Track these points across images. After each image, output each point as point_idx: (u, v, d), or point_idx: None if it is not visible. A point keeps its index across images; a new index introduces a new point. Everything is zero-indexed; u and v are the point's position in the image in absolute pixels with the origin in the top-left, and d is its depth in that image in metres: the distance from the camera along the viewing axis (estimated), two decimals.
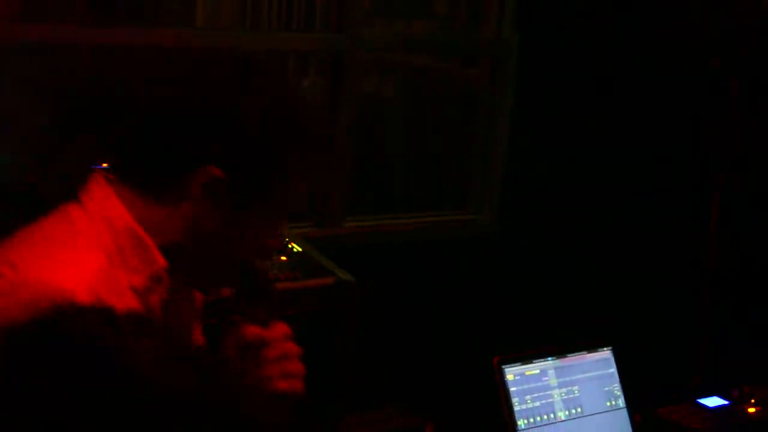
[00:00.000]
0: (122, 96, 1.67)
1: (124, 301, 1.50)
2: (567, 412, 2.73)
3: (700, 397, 2.95)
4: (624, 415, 2.83)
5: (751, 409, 2.87)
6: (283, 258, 2.95)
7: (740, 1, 3.58)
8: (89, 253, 1.53)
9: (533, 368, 2.72)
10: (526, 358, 2.72)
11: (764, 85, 3.42)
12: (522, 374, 2.70)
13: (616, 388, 2.84)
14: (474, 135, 4.01)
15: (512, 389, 2.66)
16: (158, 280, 1.60)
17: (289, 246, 3.02)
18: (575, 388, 2.77)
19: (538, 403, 2.69)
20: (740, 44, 3.53)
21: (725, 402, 2.92)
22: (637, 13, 3.63)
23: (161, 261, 1.57)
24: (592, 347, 2.84)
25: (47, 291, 1.42)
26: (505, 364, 2.67)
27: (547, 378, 2.73)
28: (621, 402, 2.84)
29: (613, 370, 2.85)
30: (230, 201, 1.53)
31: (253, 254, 1.68)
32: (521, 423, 2.64)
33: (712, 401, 2.92)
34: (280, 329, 1.72)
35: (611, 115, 3.65)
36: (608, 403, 2.81)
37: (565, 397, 2.74)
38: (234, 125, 1.53)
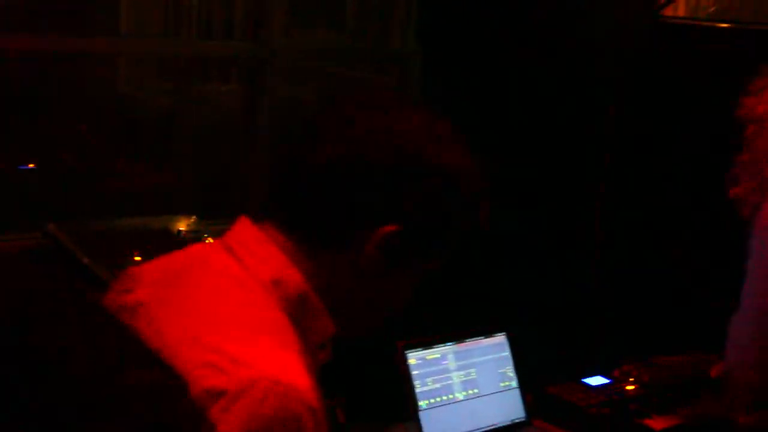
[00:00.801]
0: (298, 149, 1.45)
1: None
2: (465, 393, 2.79)
3: (585, 377, 3.03)
4: (517, 394, 2.90)
5: (630, 387, 2.94)
6: None
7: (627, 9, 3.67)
8: (287, 334, 1.34)
9: (434, 353, 2.77)
10: (427, 344, 2.77)
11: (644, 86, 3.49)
12: (423, 358, 2.75)
13: (510, 370, 2.91)
14: None
15: (414, 372, 2.71)
16: (323, 347, 1.47)
17: (207, 240, 2.97)
18: (472, 370, 2.83)
19: (438, 385, 2.74)
20: (626, 45, 3.61)
21: (607, 380, 3.00)
22: (528, 23, 3.68)
23: (331, 327, 1.44)
24: (487, 333, 2.90)
25: (296, 396, 1.24)
26: (408, 349, 2.72)
27: (446, 362, 2.78)
28: (514, 383, 2.90)
29: (507, 353, 2.92)
30: (399, 255, 1.41)
31: (402, 305, 1.55)
32: (423, 403, 2.69)
33: (596, 380, 3.01)
34: None
35: (509, 115, 3.68)
36: (502, 384, 2.88)
37: (464, 378, 2.80)
38: (426, 186, 1.41)
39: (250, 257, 1.40)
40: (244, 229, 1.47)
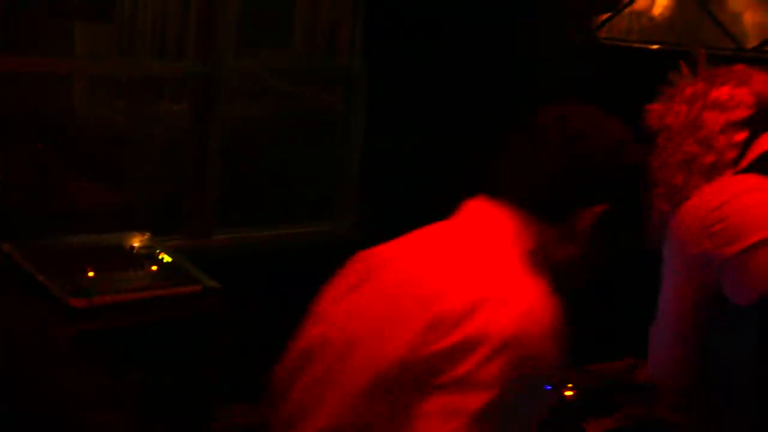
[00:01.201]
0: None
1: None
2: None
3: None
4: None
5: (568, 393, 2.96)
6: (154, 267, 2.93)
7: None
8: (535, 276, 1.66)
9: None
10: None
11: None
12: None
13: None
14: (332, 153, 4.03)
15: None
16: None
17: (160, 256, 3.00)
18: None
19: None
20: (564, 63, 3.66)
21: (546, 387, 3.02)
22: (470, 44, 3.71)
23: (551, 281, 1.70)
24: None
25: (549, 314, 1.59)
26: None
27: None
28: None
29: None
30: (603, 228, 1.73)
31: (600, 267, 1.83)
32: None
33: None
34: None
35: (450, 131, 3.73)
36: None
37: None
38: (627, 173, 1.78)
39: (493, 224, 1.72)
40: (482, 205, 1.78)
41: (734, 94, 2.22)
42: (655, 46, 3.65)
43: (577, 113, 1.82)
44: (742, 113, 2.22)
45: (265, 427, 2.15)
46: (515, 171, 1.80)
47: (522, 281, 1.61)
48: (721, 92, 2.24)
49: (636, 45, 3.68)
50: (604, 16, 3.88)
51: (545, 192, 1.73)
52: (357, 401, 1.62)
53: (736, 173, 2.21)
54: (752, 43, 3.52)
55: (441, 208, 3.76)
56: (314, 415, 1.68)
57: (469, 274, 1.63)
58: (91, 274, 2.79)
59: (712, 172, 2.24)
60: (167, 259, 3.00)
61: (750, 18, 3.88)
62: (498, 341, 1.49)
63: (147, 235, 3.11)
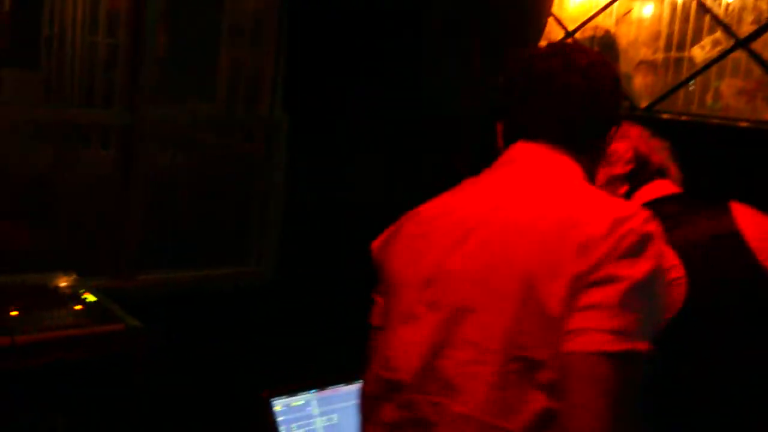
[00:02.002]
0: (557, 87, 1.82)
1: None
2: None
3: None
4: None
5: None
6: (78, 307, 2.88)
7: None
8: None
9: (298, 400, 2.73)
10: (291, 391, 2.74)
11: None
12: (288, 405, 2.71)
13: None
14: (253, 199, 4.02)
15: (280, 419, 2.66)
16: None
17: (83, 296, 2.95)
18: (334, 415, 2.80)
19: (302, 430, 2.72)
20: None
21: None
22: (387, 95, 3.75)
23: None
24: (348, 379, 2.90)
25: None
26: (274, 396, 2.69)
27: (310, 408, 2.76)
28: None
29: None
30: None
31: None
32: None
33: None
34: None
35: (368, 177, 3.76)
36: None
37: (327, 424, 2.76)
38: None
39: (555, 161, 1.78)
40: (529, 146, 1.81)
41: (615, 149, 2.28)
42: None
43: (567, 50, 1.87)
44: (621, 169, 2.28)
45: None
46: (542, 113, 1.81)
47: (620, 200, 1.73)
48: None
49: None
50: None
51: (575, 124, 1.80)
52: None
53: None
54: (644, 103, 3.64)
55: (358, 251, 3.78)
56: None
57: (581, 202, 1.68)
58: (14, 312, 2.74)
59: None
60: (91, 298, 2.96)
61: (641, 81, 4.01)
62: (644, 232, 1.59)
63: (72, 275, 3.06)
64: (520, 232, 1.66)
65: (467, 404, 1.60)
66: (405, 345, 1.72)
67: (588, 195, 1.71)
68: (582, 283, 1.55)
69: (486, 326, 1.64)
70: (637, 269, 1.55)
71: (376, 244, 1.91)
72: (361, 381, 1.87)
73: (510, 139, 1.84)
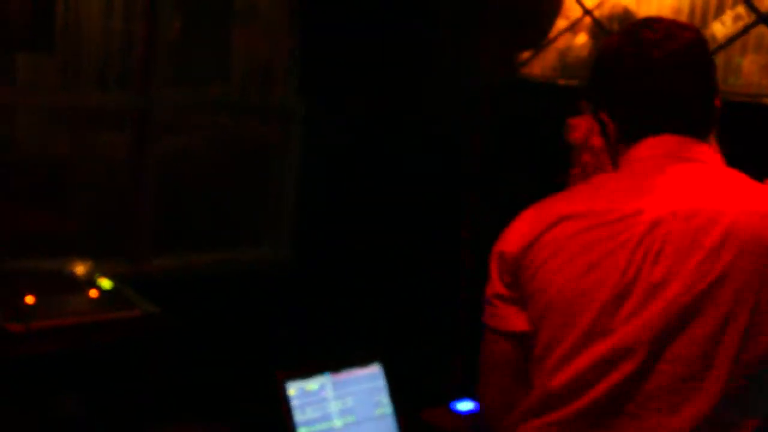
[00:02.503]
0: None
1: None
2: (342, 421, 2.73)
3: (455, 401, 3.01)
4: (391, 420, 2.85)
5: None
6: (94, 293, 2.88)
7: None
8: None
9: (312, 383, 2.71)
10: (306, 375, 2.71)
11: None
12: (302, 389, 2.69)
13: (385, 397, 2.86)
14: (268, 183, 4.02)
15: (294, 402, 2.65)
16: None
17: (99, 282, 2.95)
18: (349, 399, 2.78)
19: (317, 414, 2.69)
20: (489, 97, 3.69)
21: (475, 402, 2.98)
22: (398, 80, 3.72)
23: None
24: (363, 362, 2.86)
25: None
26: (288, 380, 2.66)
27: (324, 391, 2.73)
28: (389, 409, 2.86)
29: (382, 381, 2.87)
30: None
31: None
32: (304, 431, 2.64)
33: (465, 404, 2.99)
34: None
35: (381, 160, 3.75)
36: (378, 411, 2.83)
37: (341, 407, 2.75)
38: None
39: (701, 153, 1.71)
40: (682, 141, 1.72)
41: None
42: (575, 82, 3.70)
43: (662, 23, 1.79)
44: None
45: None
46: (664, 105, 1.75)
47: None
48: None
49: (560, 81, 3.74)
50: (527, 54, 3.92)
51: (699, 110, 1.74)
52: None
53: None
54: None
55: (371, 236, 3.76)
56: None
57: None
58: (30, 299, 2.74)
59: None
60: (107, 284, 2.97)
61: None
62: None
63: (88, 261, 3.06)
64: (733, 236, 1.59)
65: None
66: (597, 361, 1.64)
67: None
68: None
69: (708, 338, 1.59)
70: None
71: (513, 246, 1.78)
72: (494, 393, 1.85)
73: (639, 128, 1.75)
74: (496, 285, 1.79)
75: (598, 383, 1.64)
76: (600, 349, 1.64)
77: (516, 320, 1.77)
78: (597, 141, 2.39)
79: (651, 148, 1.72)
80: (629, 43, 1.78)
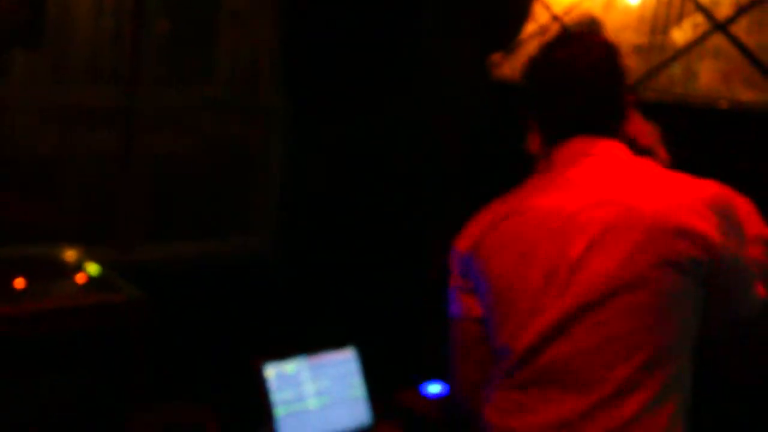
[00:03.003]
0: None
1: None
2: (318, 401, 2.77)
3: (425, 383, 3.03)
4: (364, 402, 2.89)
5: None
6: (82, 278, 2.89)
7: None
8: None
9: (290, 365, 2.75)
10: (284, 358, 2.75)
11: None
12: (280, 371, 2.73)
13: (358, 379, 2.91)
14: (252, 178, 4.03)
15: (272, 384, 2.69)
16: None
17: (88, 268, 2.95)
18: (324, 380, 2.82)
19: (293, 394, 2.72)
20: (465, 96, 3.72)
21: (445, 384, 3.00)
22: (379, 82, 3.75)
23: None
24: (337, 346, 2.90)
25: None
26: (266, 362, 2.70)
27: (301, 373, 2.77)
28: (362, 391, 2.90)
29: (356, 365, 2.92)
30: None
31: None
32: (280, 411, 2.67)
33: (435, 387, 3.02)
34: None
35: (360, 157, 3.78)
36: (351, 393, 2.87)
37: (317, 388, 2.78)
38: None
39: (620, 150, 1.94)
40: (592, 140, 1.95)
41: None
42: None
43: (574, 42, 2.02)
44: None
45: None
46: (580, 110, 1.97)
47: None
48: None
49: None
50: (499, 56, 3.96)
51: (609, 113, 1.98)
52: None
53: None
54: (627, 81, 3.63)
55: (348, 229, 3.79)
56: None
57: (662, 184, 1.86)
58: (20, 283, 2.74)
59: None
60: (95, 270, 2.96)
61: (626, 64, 3.99)
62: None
63: (77, 248, 3.06)
64: (638, 219, 1.79)
65: None
66: (538, 336, 1.82)
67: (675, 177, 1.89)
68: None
69: (628, 310, 1.78)
70: None
71: (464, 244, 2.00)
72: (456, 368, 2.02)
73: (556, 134, 1.97)
74: (454, 278, 2.02)
75: (543, 353, 1.82)
76: (538, 325, 1.82)
77: (473, 307, 1.98)
78: None
79: (566, 149, 1.94)
80: (545, 59, 2.01)
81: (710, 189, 1.86)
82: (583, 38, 2.05)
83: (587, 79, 1.94)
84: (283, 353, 2.75)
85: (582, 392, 1.78)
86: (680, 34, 3.79)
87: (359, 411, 2.87)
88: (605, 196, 1.83)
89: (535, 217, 1.89)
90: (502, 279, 1.90)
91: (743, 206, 1.98)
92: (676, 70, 3.68)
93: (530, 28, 3.84)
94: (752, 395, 2.62)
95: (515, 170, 3.51)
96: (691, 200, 1.80)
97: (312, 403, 2.75)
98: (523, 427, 1.82)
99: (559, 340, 1.79)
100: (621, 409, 1.75)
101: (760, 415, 2.70)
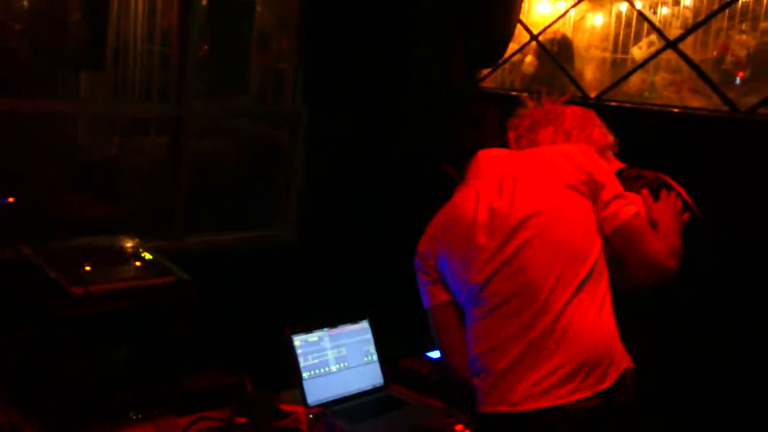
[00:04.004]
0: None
1: None
2: (337, 366, 2.79)
3: (429, 351, 3.03)
4: (377, 366, 2.91)
5: None
6: (138, 263, 2.89)
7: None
8: None
9: (313, 336, 2.77)
10: (308, 330, 2.76)
11: None
12: (306, 341, 2.74)
13: (371, 347, 2.92)
14: (278, 176, 4.02)
15: (299, 351, 2.70)
16: None
17: (143, 255, 2.95)
18: (343, 349, 2.83)
19: (317, 360, 2.74)
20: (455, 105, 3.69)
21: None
22: (380, 94, 3.73)
23: None
24: (354, 320, 2.91)
25: None
26: (294, 334, 2.71)
27: (323, 343, 2.78)
28: (375, 357, 2.91)
29: (369, 335, 2.93)
30: None
31: None
32: (306, 375, 2.68)
33: (435, 353, 2.99)
34: None
35: (371, 157, 3.77)
36: (366, 359, 2.89)
37: (336, 355, 2.80)
38: None
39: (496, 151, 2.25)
40: (492, 150, 2.23)
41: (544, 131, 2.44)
42: (525, 94, 3.73)
43: (473, 108, 2.42)
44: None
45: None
46: (483, 138, 2.26)
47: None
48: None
49: (512, 93, 3.76)
50: (486, 71, 3.95)
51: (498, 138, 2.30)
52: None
53: None
54: (593, 93, 3.60)
55: (362, 220, 3.76)
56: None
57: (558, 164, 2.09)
58: (88, 268, 2.73)
59: None
60: (149, 256, 2.96)
61: (591, 75, 3.97)
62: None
63: (134, 238, 3.05)
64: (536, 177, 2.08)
65: None
66: (485, 300, 2.03)
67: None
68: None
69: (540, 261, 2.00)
70: None
71: (423, 246, 2.20)
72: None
73: (469, 155, 2.20)
74: (420, 275, 2.20)
75: (496, 311, 2.01)
76: (483, 295, 2.03)
77: (440, 294, 2.14)
78: (528, 121, 2.55)
79: (484, 157, 2.20)
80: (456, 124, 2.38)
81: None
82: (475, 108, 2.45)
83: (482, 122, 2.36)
84: (307, 326, 2.77)
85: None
86: (638, 51, 3.79)
87: (372, 374, 2.88)
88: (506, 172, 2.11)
89: (457, 214, 2.12)
90: (452, 266, 2.09)
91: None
92: (636, 81, 3.67)
93: (512, 47, 3.82)
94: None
95: None
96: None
97: (332, 367, 2.77)
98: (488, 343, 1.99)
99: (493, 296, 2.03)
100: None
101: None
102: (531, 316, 1.92)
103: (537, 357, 1.89)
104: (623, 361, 1.94)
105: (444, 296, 2.10)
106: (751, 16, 3.56)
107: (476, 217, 2.05)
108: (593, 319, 1.91)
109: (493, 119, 2.32)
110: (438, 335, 2.15)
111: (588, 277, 1.94)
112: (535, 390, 1.88)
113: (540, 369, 1.88)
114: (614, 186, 2.05)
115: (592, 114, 2.40)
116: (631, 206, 2.03)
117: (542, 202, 2.00)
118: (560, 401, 1.85)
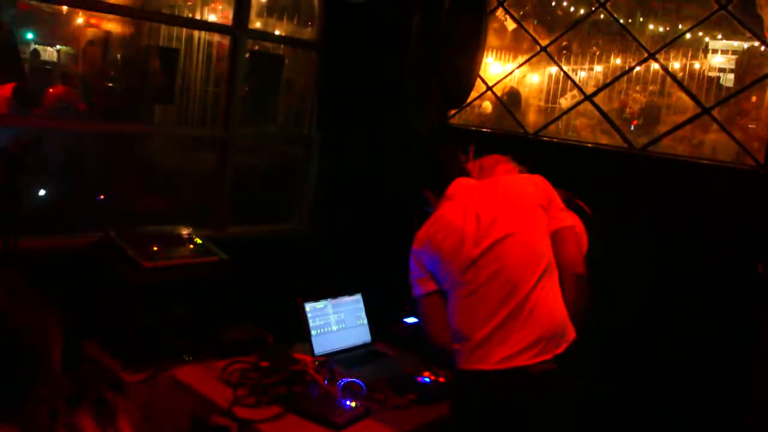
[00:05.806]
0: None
1: None
2: (337, 326, 2.81)
3: (405, 317, 3.03)
4: (366, 327, 2.92)
5: None
6: (192, 246, 2.88)
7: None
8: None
9: (320, 304, 2.79)
10: (316, 299, 2.77)
11: None
12: (314, 307, 2.76)
13: (363, 313, 2.93)
14: (297, 184, 4.00)
15: (309, 315, 2.72)
16: None
17: (195, 240, 2.95)
18: (342, 313, 2.84)
19: (322, 322, 2.75)
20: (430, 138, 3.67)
21: (417, 318, 2.98)
22: (374, 121, 3.71)
23: None
24: (350, 293, 2.92)
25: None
26: (305, 302, 2.73)
27: (327, 309, 2.79)
28: (366, 321, 2.92)
29: (362, 304, 2.94)
30: None
31: None
32: (313, 332, 2.70)
33: (411, 319, 3.02)
34: None
35: (368, 170, 3.75)
36: (359, 322, 2.91)
37: (336, 318, 2.81)
38: None
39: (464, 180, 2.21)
40: (465, 179, 2.18)
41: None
42: (486, 130, 3.73)
43: (447, 147, 2.33)
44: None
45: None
46: (450, 169, 2.18)
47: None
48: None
49: (473, 128, 3.76)
50: (454, 111, 3.94)
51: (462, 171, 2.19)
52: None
53: None
54: (532, 131, 3.61)
55: (358, 218, 3.73)
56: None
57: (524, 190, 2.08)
58: (156, 248, 2.75)
59: None
60: (199, 241, 2.97)
61: (532, 118, 3.98)
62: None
63: (189, 228, 3.04)
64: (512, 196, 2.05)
65: None
66: (469, 287, 1.97)
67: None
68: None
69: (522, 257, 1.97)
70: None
71: (417, 245, 2.06)
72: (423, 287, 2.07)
73: (447, 181, 2.13)
74: (414, 271, 2.08)
75: (482, 294, 1.94)
76: (465, 280, 1.97)
77: (429, 285, 2.03)
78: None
79: (459, 183, 2.14)
80: (439, 159, 2.27)
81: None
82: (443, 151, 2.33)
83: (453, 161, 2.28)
84: (315, 296, 2.79)
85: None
86: (564, 102, 3.80)
87: (363, 333, 2.91)
88: (490, 198, 2.05)
89: (446, 223, 2.03)
90: (443, 263, 2.00)
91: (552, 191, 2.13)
92: (562, 124, 3.68)
93: (473, 95, 3.82)
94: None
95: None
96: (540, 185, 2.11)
97: (333, 327, 2.80)
98: (469, 318, 1.95)
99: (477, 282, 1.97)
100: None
101: None
102: (504, 296, 1.91)
103: (510, 329, 1.87)
104: (571, 333, 1.94)
105: (431, 286, 2.02)
106: (642, 81, 3.64)
107: (464, 227, 1.99)
108: (552, 301, 1.91)
109: (459, 157, 2.28)
110: (425, 317, 2.06)
111: (546, 269, 1.95)
112: (507, 353, 1.87)
113: (511, 338, 1.87)
114: (560, 203, 2.09)
115: (504, 158, 2.43)
116: (569, 219, 2.06)
117: (520, 215, 1.99)
118: (526, 362, 1.85)
